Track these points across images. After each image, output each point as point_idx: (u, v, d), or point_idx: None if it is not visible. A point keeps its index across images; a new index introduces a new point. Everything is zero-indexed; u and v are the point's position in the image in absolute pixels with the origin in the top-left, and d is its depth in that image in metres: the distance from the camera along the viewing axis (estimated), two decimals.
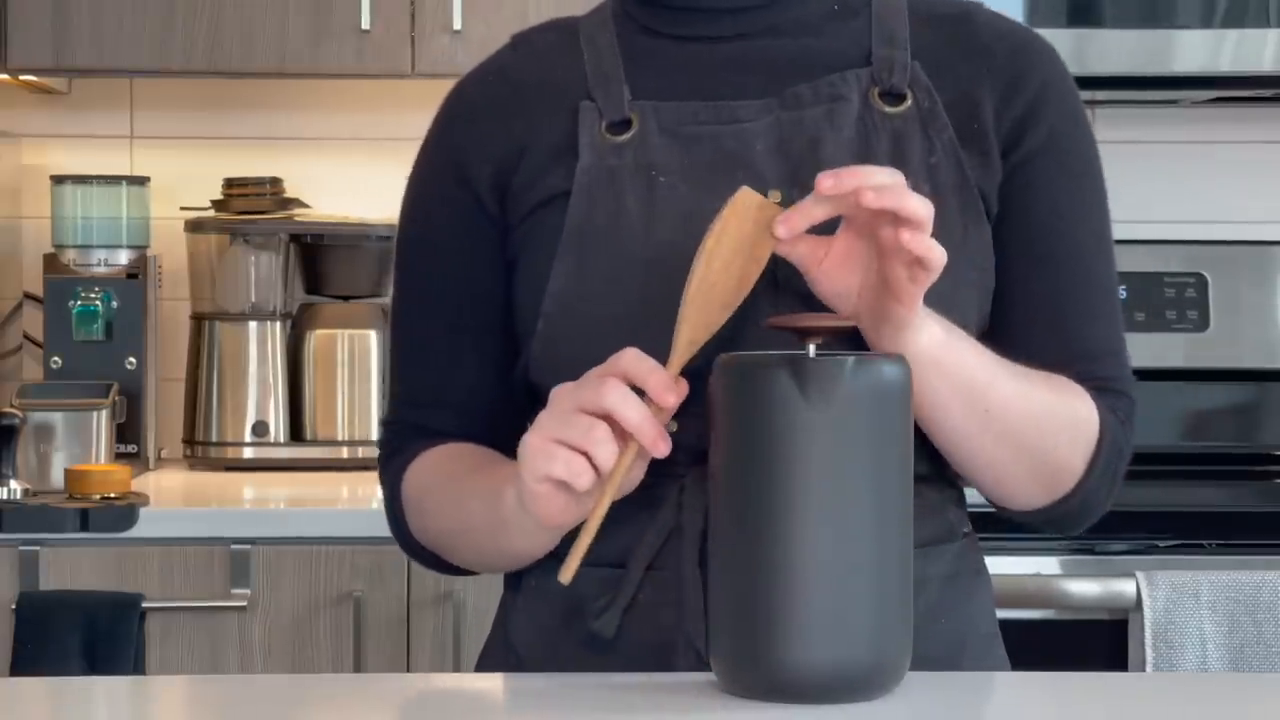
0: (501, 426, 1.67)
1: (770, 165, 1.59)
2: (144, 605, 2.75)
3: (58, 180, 3.24)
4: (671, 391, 1.45)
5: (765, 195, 1.57)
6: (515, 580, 1.67)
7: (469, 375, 1.69)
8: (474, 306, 1.67)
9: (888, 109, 1.62)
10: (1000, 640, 1.69)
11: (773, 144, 1.60)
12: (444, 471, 1.66)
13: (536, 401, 1.62)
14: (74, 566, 2.76)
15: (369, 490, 3.00)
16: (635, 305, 1.56)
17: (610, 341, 1.50)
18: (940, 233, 1.54)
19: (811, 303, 1.54)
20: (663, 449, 1.44)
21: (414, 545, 1.70)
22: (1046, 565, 2.69)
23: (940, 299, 1.55)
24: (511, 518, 1.53)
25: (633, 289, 1.57)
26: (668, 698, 1.44)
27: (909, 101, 1.62)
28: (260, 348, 3.24)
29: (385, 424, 1.75)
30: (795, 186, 1.58)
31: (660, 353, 1.50)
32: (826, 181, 1.43)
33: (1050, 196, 1.65)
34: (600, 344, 1.52)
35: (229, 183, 3.29)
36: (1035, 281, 1.65)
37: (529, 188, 1.63)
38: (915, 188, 1.57)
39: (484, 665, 1.70)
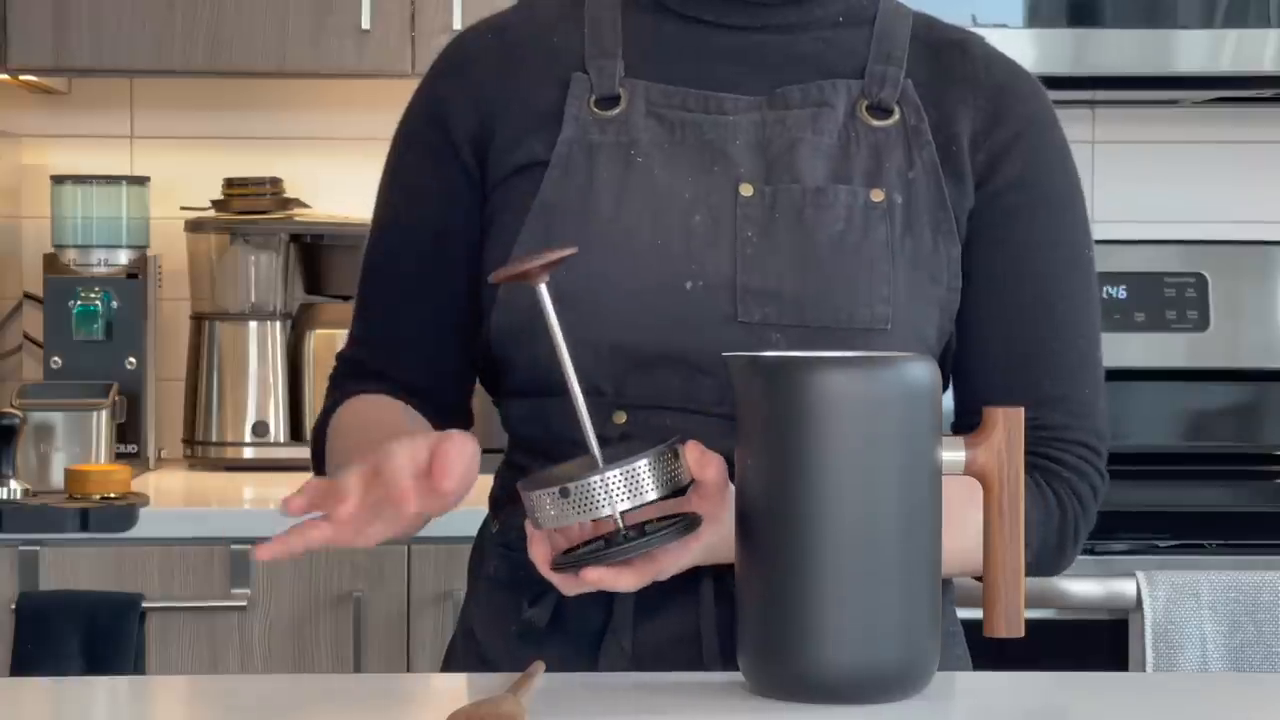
0: (448, 385, 1.68)
1: (746, 160, 1.61)
2: (144, 605, 2.75)
3: (58, 180, 3.24)
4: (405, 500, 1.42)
5: (738, 187, 1.58)
6: (476, 569, 1.70)
7: (424, 324, 1.70)
8: (440, 256, 1.68)
9: (873, 122, 1.63)
10: (961, 639, 1.70)
11: (753, 140, 1.62)
12: (357, 424, 1.67)
13: (499, 373, 1.63)
14: (74, 566, 2.76)
15: None
16: (594, 282, 1.58)
17: (565, 317, 1.51)
18: (912, 245, 1.60)
19: (781, 302, 1.56)
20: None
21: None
22: None
23: (898, 310, 1.57)
24: None
25: (594, 266, 1.58)
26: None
27: (895, 116, 1.63)
28: (260, 348, 3.24)
29: (339, 357, 1.77)
30: (768, 184, 1.60)
31: (616, 326, 1.56)
32: (594, 575, 1.45)
33: (1018, 235, 1.66)
34: (558, 318, 1.54)
35: (229, 183, 3.29)
36: (996, 318, 1.66)
37: (509, 150, 1.65)
38: (888, 199, 1.58)
39: (449, 655, 1.73)
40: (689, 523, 1.45)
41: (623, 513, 1.43)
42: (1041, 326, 1.66)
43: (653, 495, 1.43)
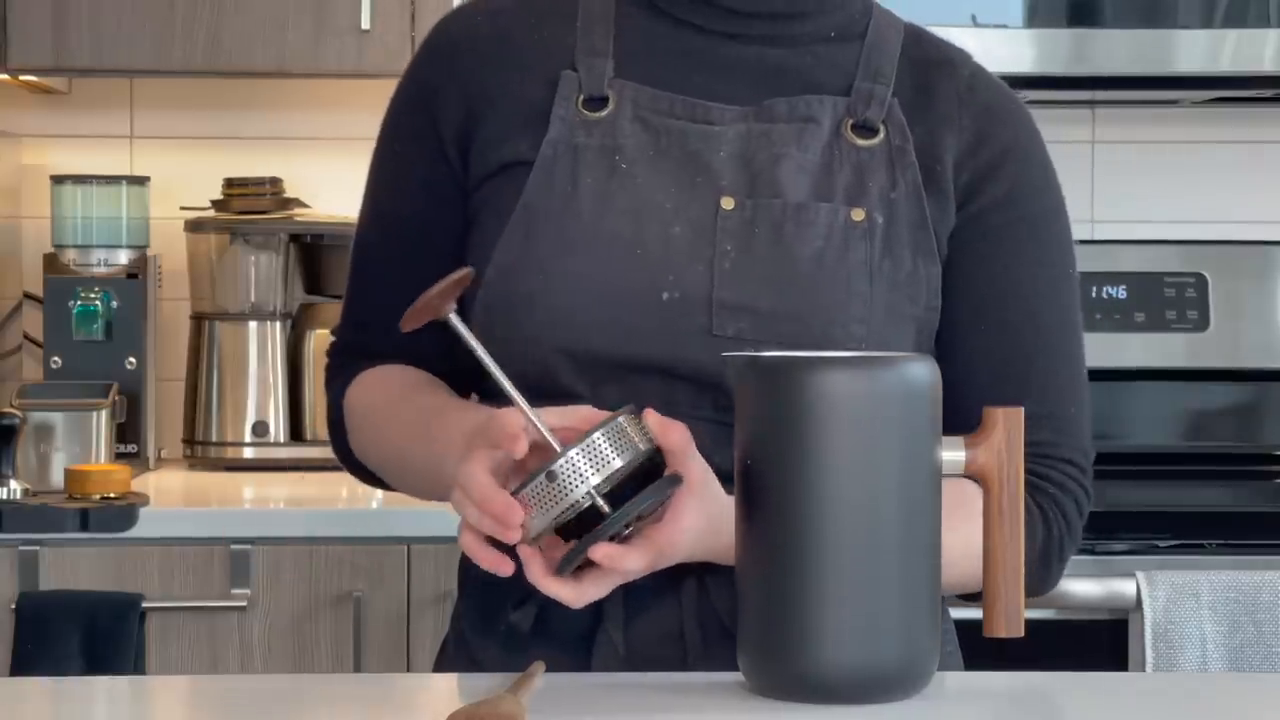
0: (442, 361, 1.68)
1: (730, 171, 1.61)
2: (144, 605, 2.75)
3: (58, 180, 3.24)
4: (517, 443, 1.44)
5: (719, 199, 1.58)
6: (466, 571, 1.71)
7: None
8: (428, 240, 1.68)
9: (858, 141, 1.63)
10: (953, 635, 1.71)
11: (737, 152, 1.62)
12: (385, 398, 1.69)
13: (481, 374, 1.63)
14: (74, 566, 2.76)
15: (369, 490, 3.00)
16: (571, 288, 1.58)
17: (542, 320, 1.54)
18: (891, 267, 1.60)
19: (756, 318, 1.57)
20: (512, 537, 1.44)
21: (354, 462, 1.74)
22: None
23: (872, 330, 1.58)
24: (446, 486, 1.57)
25: (571, 272, 1.58)
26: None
27: (880, 136, 1.63)
28: (260, 348, 3.24)
29: (332, 342, 1.78)
30: (750, 198, 1.60)
31: (593, 334, 1.56)
32: (601, 551, 1.45)
33: (1004, 254, 1.66)
34: (532, 321, 1.57)
35: (229, 183, 3.29)
36: (982, 336, 1.66)
37: (495, 147, 1.65)
38: (869, 218, 1.58)
39: (441, 656, 1.73)
40: (670, 480, 1.45)
41: (597, 489, 1.43)
42: (1027, 345, 1.66)
43: (618, 463, 1.43)
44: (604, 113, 1.63)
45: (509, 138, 1.64)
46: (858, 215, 1.60)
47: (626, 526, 1.46)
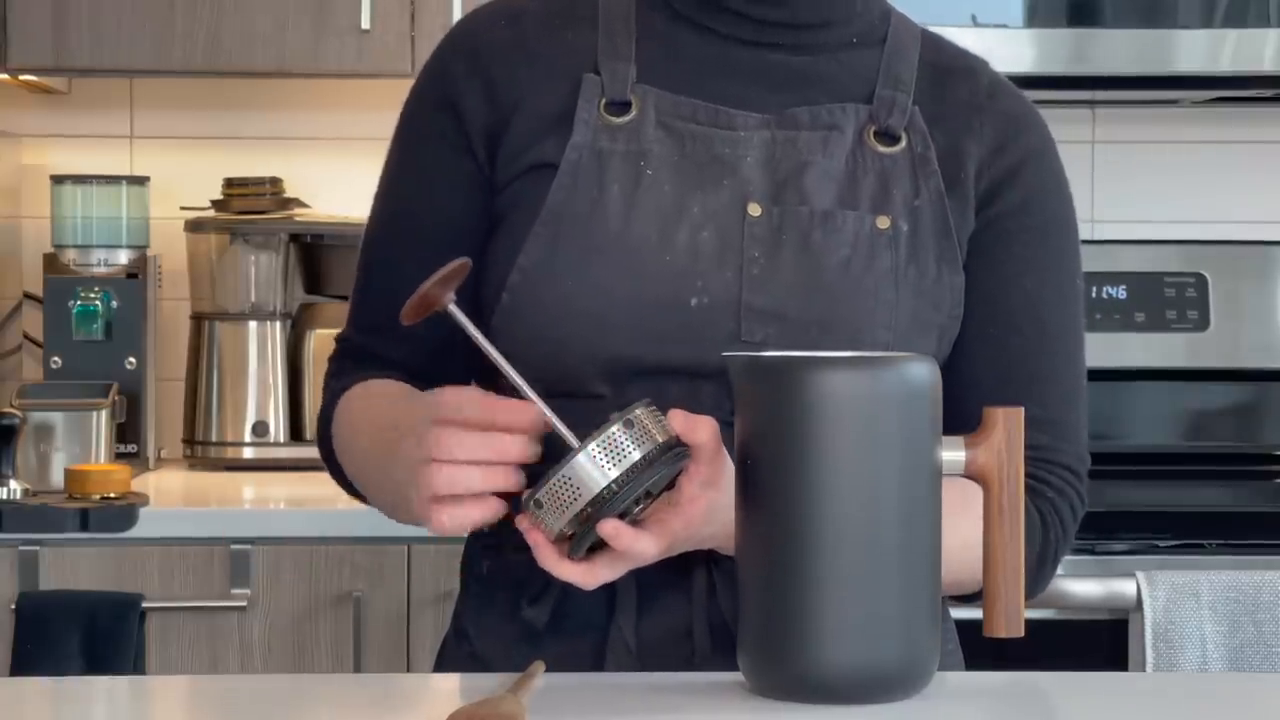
0: (451, 366, 1.67)
1: (757, 177, 1.61)
2: (144, 605, 2.75)
3: (58, 180, 3.24)
4: (521, 418, 1.45)
5: (746, 206, 1.58)
6: (468, 568, 1.70)
7: None
8: (447, 242, 1.65)
9: (881, 148, 1.64)
10: (954, 634, 1.71)
11: (762, 158, 1.62)
12: (364, 415, 1.66)
13: (495, 373, 1.63)
14: (74, 566, 2.76)
15: None
16: (599, 294, 1.58)
17: (569, 326, 1.54)
18: (916, 274, 1.61)
19: (784, 324, 1.57)
20: (515, 484, 1.45)
21: (338, 470, 1.71)
22: None
23: (898, 337, 1.59)
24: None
25: (600, 278, 1.58)
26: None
27: (903, 144, 1.64)
28: (260, 348, 3.24)
29: (338, 341, 1.75)
30: (776, 204, 1.60)
31: (619, 339, 1.55)
32: (610, 526, 1.44)
33: (1016, 260, 1.67)
34: (559, 327, 1.56)
35: (229, 183, 3.29)
36: (990, 340, 1.66)
37: (520, 150, 1.64)
38: (894, 226, 1.59)
39: (441, 654, 1.73)
40: (678, 454, 1.45)
41: (617, 482, 1.42)
42: (1033, 350, 1.66)
43: (636, 454, 1.42)
44: (627, 118, 1.62)
45: (534, 140, 1.63)
46: (883, 223, 1.61)
47: (637, 504, 1.45)
